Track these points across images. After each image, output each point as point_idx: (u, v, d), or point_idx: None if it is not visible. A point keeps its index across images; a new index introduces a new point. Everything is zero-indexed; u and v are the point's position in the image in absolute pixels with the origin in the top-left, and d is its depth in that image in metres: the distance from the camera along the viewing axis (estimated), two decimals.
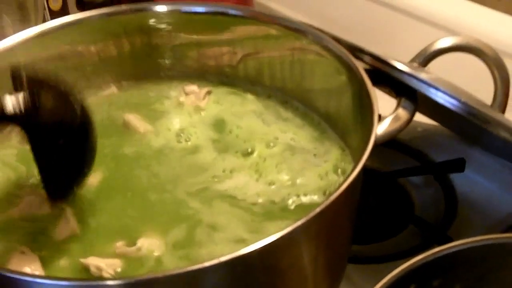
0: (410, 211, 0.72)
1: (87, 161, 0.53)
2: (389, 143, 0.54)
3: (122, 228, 0.53)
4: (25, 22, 0.99)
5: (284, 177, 0.58)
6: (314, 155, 0.60)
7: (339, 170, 0.59)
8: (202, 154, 0.61)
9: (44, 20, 1.00)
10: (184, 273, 0.41)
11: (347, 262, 0.58)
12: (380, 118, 0.52)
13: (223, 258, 0.41)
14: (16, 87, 0.49)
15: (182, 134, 0.64)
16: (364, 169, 0.48)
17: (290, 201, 0.56)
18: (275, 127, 0.64)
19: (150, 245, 0.51)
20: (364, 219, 0.62)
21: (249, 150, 0.61)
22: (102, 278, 0.48)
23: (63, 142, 0.50)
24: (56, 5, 1.08)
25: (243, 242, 0.51)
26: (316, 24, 0.94)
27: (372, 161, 0.68)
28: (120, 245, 0.51)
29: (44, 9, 1.02)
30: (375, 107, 0.51)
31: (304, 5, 1.01)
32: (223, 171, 0.59)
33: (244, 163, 0.60)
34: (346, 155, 0.60)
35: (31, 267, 0.50)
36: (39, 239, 0.53)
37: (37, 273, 0.49)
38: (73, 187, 0.53)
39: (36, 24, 0.99)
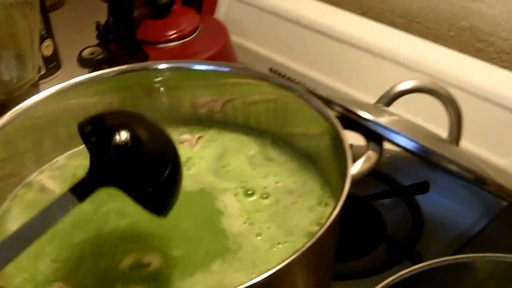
0: (383, 231, 0.82)
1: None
2: None
3: None
4: (21, 69, 1.07)
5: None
6: (302, 193, 0.70)
7: (323, 202, 0.68)
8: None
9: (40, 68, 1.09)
10: None
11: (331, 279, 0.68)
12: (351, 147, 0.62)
13: None
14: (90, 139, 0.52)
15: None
16: None
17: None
18: (263, 169, 0.73)
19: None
20: (343, 239, 0.68)
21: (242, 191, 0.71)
22: None
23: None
24: (48, 52, 1.16)
25: None
26: (291, 63, 1.04)
27: None
28: None
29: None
30: (347, 152, 0.61)
31: (277, 45, 1.11)
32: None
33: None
34: (326, 191, 0.69)
35: None
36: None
37: None
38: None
39: (33, 71, 1.08)
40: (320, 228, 0.55)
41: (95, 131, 0.52)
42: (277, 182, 0.71)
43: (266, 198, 0.69)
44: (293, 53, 1.08)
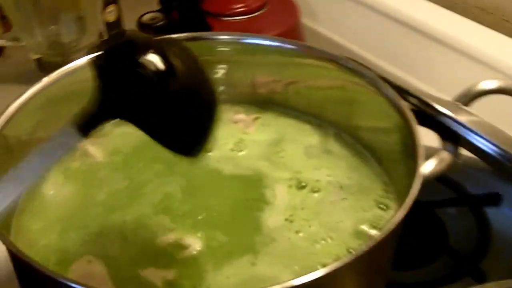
0: (445, 241, 0.75)
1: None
2: None
3: None
4: (81, 33, 1.04)
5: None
6: (355, 190, 0.64)
7: (381, 205, 0.62)
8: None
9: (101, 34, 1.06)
10: None
11: None
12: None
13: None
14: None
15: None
16: None
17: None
18: (317, 161, 0.67)
19: None
20: (400, 246, 0.62)
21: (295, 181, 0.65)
22: None
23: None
24: (111, 17, 1.13)
25: None
26: (363, 52, 0.98)
27: None
28: None
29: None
30: (419, 150, 0.55)
31: (351, 32, 1.04)
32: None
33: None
34: (388, 192, 0.63)
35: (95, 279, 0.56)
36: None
37: None
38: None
39: (93, 35, 1.04)
40: (382, 231, 0.49)
41: (112, 49, 0.45)
42: (329, 176, 0.65)
43: (316, 192, 0.63)
44: (367, 42, 1.01)
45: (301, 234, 0.59)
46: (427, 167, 0.56)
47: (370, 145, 0.67)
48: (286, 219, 0.61)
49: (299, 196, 0.63)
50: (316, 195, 0.63)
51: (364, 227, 0.60)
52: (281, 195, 0.63)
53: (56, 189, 0.65)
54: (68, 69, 0.67)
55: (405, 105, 0.60)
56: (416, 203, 0.78)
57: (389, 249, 0.55)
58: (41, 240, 0.59)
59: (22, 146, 0.63)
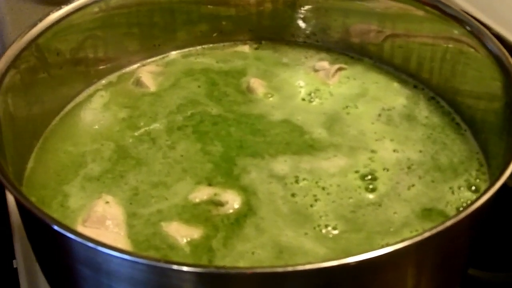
0: None
1: None
2: None
3: None
4: None
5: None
6: (446, 167, 0.53)
7: (473, 187, 0.51)
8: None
9: None
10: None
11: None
12: None
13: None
14: None
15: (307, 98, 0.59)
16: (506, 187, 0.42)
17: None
18: (403, 128, 0.57)
19: None
20: (491, 241, 0.54)
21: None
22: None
23: None
24: None
25: None
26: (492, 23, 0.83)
27: None
28: None
29: None
30: None
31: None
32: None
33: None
34: (483, 173, 0.52)
35: (112, 221, 0.47)
36: None
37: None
38: None
39: None
40: (461, 212, 0.39)
41: None
42: (396, 151, 0.54)
43: (372, 180, 0.52)
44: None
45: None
46: None
47: (468, 115, 0.56)
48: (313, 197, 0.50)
49: (343, 182, 0.52)
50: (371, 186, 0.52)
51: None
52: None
53: (98, 107, 0.59)
54: None
55: None
56: None
57: (467, 236, 0.44)
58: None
59: (62, 63, 0.56)
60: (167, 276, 0.37)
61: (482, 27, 0.52)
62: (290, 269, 0.34)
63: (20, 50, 0.51)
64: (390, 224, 0.48)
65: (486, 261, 0.57)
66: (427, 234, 0.37)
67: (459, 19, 0.55)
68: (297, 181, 0.51)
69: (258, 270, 0.35)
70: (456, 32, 0.55)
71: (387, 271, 0.39)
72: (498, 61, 0.50)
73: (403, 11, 0.60)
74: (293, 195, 0.50)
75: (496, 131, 0.51)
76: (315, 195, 0.50)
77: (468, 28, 0.54)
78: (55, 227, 0.38)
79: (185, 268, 0.35)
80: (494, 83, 0.51)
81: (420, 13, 0.58)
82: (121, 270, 0.39)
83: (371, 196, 0.50)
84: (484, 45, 0.52)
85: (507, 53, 0.50)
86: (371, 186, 0.51)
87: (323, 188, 0.51)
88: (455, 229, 0.38)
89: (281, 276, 0.35)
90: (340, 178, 0.52)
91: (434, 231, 0.37)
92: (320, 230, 0.47)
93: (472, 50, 0.54)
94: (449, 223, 0.37)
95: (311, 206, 0.49)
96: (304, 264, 0.34)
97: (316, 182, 0.51)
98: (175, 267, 0.35)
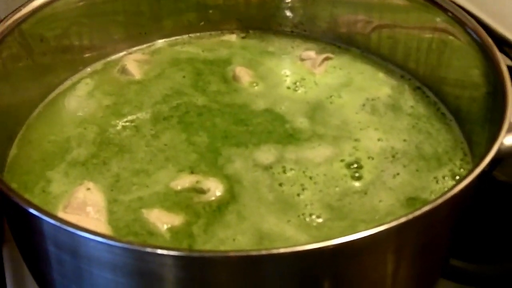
0: None
1: None
2: None
3: None
4: None
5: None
6: (430, 157, 0.53)
7: (457, 177, 0.51)
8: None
9: None
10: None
11: (441, 277, 0.52)
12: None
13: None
14: None
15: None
16: (494, 180, 0.44)
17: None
18: (387, 118, 0.56)
19: None
20: (481, 234, 0.56)
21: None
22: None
23: None
24: None
25: None
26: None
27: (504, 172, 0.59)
28: None
29: None
30: (508, 112, 0.43)
31: None
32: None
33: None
34: (467, 162, 0.52)
35: (92, 207, 0.47)
36: None
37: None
38: None
39: None
40: (439, 197, 0.38)
41: None
42: (380, 140, 0.54)
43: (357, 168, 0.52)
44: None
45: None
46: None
47: (453, 104, 0.56)
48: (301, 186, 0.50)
49: (331, 170, 0.52)
50: (356, 173, 0.52)
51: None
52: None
53: (83, 95, 0.59)
54: None
55: (502, 59, 0.48)
56: (506, 185, 0.66)
57: (450, 219, 0.43)
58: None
59: (46, 50, 0.56)
60: (145, 260, 0.37)
61: (464, 13, 0.52)
62: (264, 252, 0.34)
63: (2, 35, 0.51)
64: (375, 212, 0.48)
65: (471, 253, 0.57)
66: (403, 219, 0.36)
67: (441, 6, 0.54)
68: (284, 171, 0.51)
69: (232, 254, 0.34)
70: (439, 19, 0.55)
71: (365, 256, 0.38)
72: (480, 47, 0.50)
73: (389, 0, 0.60)
74: (280, 184, 0.50)
75: (480, 121, 0.51)
76: (302, 184, 0.50)
77: (450, 14, 0.53)
78: (32, 211, 0.38)
79: (159, 251, 0.35)
80: (477, 71, 0.51)
81: (405, 2, 0.58)
82: (100, 255, 0.39)
83: (357, 184, 0.50)
84: (466, 32, 0.52)
85: (490, 40, 0.50)
86: (357, 174, 0.51)
87: (310, 178, 0.50)
88: (433, 215, 0.38)
89: (256, 259, 0.35)
90: (326, 167, 0.51)
91: (410, 216, 0.36)
92: (304, 219, 0.47)
93: (455, 38, 0.54)
94: (426, 208, 0.37)
95: (298, 195, 0.49)
96: (278, 248, 0.34)
97: (303, 172, 0.51)
98: (148, 249, 0.35)
